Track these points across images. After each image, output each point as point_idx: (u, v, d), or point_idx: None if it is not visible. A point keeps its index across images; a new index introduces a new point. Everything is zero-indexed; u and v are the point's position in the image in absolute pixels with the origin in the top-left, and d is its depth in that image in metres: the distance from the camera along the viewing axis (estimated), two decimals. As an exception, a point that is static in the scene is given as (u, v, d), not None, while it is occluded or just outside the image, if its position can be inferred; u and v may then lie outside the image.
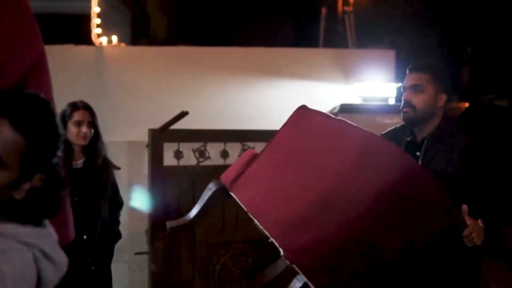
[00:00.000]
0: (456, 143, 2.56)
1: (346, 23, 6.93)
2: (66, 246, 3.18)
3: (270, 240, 2.02)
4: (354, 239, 1.94)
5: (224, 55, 5.62)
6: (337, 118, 2.25)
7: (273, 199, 2.15)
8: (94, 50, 5.54)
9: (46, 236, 1.37)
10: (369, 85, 5.42)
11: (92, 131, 3.24)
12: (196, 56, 5.56)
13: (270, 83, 5.44)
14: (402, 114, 2.66)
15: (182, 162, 3.97)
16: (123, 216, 3.65)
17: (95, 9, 5.96)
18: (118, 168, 3.49)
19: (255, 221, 2.12)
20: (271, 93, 5.30)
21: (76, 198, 3.20)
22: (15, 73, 1.64)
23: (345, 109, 5.30)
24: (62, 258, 1.39)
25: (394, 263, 2.05)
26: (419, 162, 2.57)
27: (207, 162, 3.99)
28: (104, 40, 5.79)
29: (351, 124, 2.14)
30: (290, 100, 5.33)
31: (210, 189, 2.46)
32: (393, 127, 2.91)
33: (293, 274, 1.94)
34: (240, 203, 2.25)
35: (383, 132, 2.92)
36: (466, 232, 2.21)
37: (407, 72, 2.71)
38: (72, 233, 2.14)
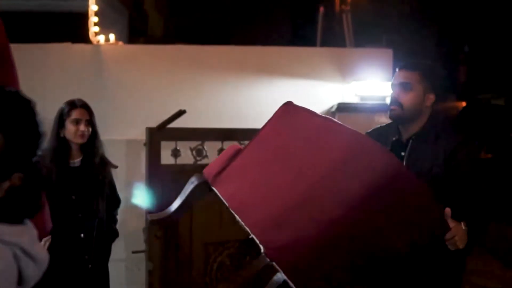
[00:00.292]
0: (441, 144, 2.54)
1: (344, 22, 6.93)
2: (63, 244, 3.20)
3: (250, 237, 1.99)
4: (336, 240, 1.91)
5: (221, 53, 5.62)
6: (323, 115, 2.22)
7: (255, 195, 2.12)
8: (91, 48, 5.53)
9: (26, 233, 1.36)
10: (366, 84, 5.42)
11: (90, 129, 3.24)
12: (194, 54, 5.55)
13: (268, 82, 5.44)
14: (389, 112, 2.65)
15: (180, 161, 3.97)
16: (121, 215, 3.65)
17: (93, 7, 5.95)
18: (116, 167, 3.49)
19: (236, 216, 2.08)
20: (269, 92, 5.30)
21: (73, 197, 3.20)
22: None
23: (343, 108, 5.30)
24: (42, 255, 1.38)
25: (377, 265, 2.03)
26: (404, 162, 2.55)
27: (204, 161, 3.99)
28: (101, 38, 5.77)
29: (337, 122, 2.12)
30: (288, 99, 5.32)
31: (192, 183, 2.42)
32: (379, 125, 2.89)
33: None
34: (222, 198, 2.22)
35: (368, 130, 2.89)
36: (448, 236, 2.20)
37: (397, 69, 2.69)
38: (49, 224, 2.13)
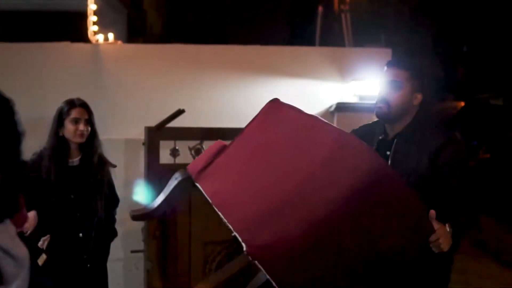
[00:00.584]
0: (426, 144, 2.51)
1: (343, 21, 6.93)
2: (62, 244, 3.20)
3: (233, 234, 1.97)
4: (319, 239, 1.89)
5: (220, 53, 5.61)
6: (309, 114, 2.18)
7: (239, 193, 2.10)
8: (90, 47, 5.52)
9: (4, 232, 1.35)
10: (365, 84, 5.42)
11: (89, 128, 3.24)
12: (193, 54, 5.55)
13: (267, 81, 5.43)
14: (376, 110, 2.63)
15: (179, 160, 3.97)
16: (119, 214, 3.65)
17: (92, 6, 5.94)
18: (114, 166, 3.49)
19: (219, 214, 2.06)
20: (268, 91, 5.29)
21: (72, 196, 3.20)
22: None
23: (342, 107, 5.30)
24: (22, 253, 1.37)
25: (360, 265, 2.02)
26: (389, 161, 2.53)
27: (203, 160, 3.98)
28: (100, 37, 5.77)
29: (322, 121, 2.10)
30: (286, 98, 5.31)
31: (176, 179, 2.40)
32: (365, 123, 2.87)
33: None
34: (205, 195, 2.19)
35: (355, 128, 2.87)
36: (433, 238, 2.18)
37: (386, 67, 2.66)
38: (25, 216, 2.11)
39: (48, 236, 3.15)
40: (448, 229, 2.27)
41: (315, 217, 1.88)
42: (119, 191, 3.57)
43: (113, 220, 3.53)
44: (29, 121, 4.93)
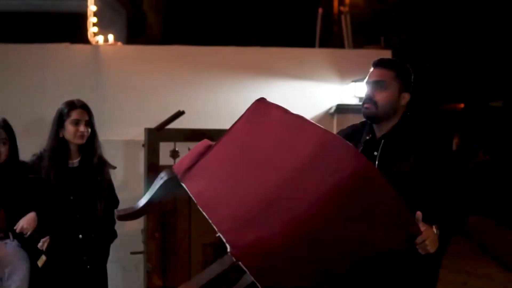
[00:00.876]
0: (414, 144, 2.48)
1: (342, 23, 6.94)
2: (62, 245, 3.20)
3: (217, 235, 1.94)
4: (303, 240, 1.87)
5: (220, 54, 5.62)
6: (295, 113, 2.14)
7: (224, 193, 2.07)
8: (90, 49, 5.53)
9: None
10: (365, 85, 5.42)
11: (89, 130, 3.24)
12: (192, 55, 5.56)
13: (266, 82, 5.44)
14: (363, 110, 2.59)
15: (178, 162, 3.96)
16: (119, 216, 3.64)
17: (92, 7, 5.94)
18: (114, 167, 3.48)
19: (204, 214, 2.03)
20: (267, 93, 5.23)
21: (72, 197, 3.20)
22: None
23: (341, 109, 5.30)
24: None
25: (345, 266, 2.00)
26: (376, 161, 2.50)
27: (203, 162, 3.98)
28: (100, 39, 5.77)
29: (307, 121, 2.07)
30: (286, 100, 5.31)
31: (162, 178, 2.35)
32: (352, 124, 2.83)
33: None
34: (190, 195, 2.16)
35: (341, 128, 2.85)
36: (419, 240, 2.16)
37: (372, 67, 2.65)
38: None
39: (47, 237, 3.14)
40: (435, 231, 2.25)
41: (299, 218, 1.86)
42: (119, 193, 3.56)
43: (113, 222, 3.52)
44: (29, 122, 4.96)
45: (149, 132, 3.98)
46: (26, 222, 3.08)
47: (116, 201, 3.54)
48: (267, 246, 1.84)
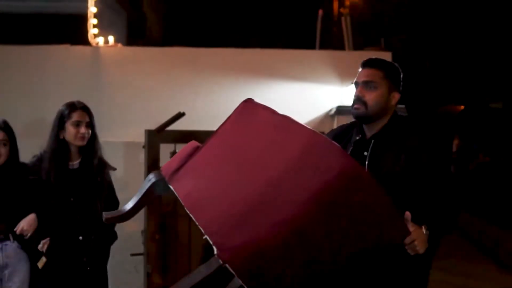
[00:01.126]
0: (404, 144, 2.46)
1: (343, 24, 6.94)
2: (62, 247, 3.20)
3: (204, 237, 1.92)
4: (291, 241, 1.85)
5: (220, 56, 5.62)
6: (283, 114, 2.11)
7: (211, 195, 2.04)
8: (90, 50, 5.54)
9: None
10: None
11: (90, 131, 3.24)
12: (193, 57, 5.56)
13: (267, 84, 5.45)
14: (352, 111, 2.57)
15: (179, 163, 3.96)
16: (119, 217, 3.64)
17: (92, 9, 5.95)
18: (114, 169, 3.48)
19: (191, 216, 2.01)
20: (267, 95, 5.31)
21: (72, 199, 3.20)
22: None
23: (342, 111, 5.30)
24: None
25: (333, 267, 1.99)
26: (366, 162, 2.48)
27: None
28: (100, 40, 5.78)
29: (295, 121, 2.05)
30: (287, 101, 5.34)
31: (150, 180, 2.33)
32: (342, 124, 2.82)
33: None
34: (178, 197, 2.13)
35: (331, 129, 2.84)
36: (407, 240, 2.14)
37: (360, 67, 2.62)
38: None
39: (48, 239, 3.14)
40: (424, 231, 2.23)
41: (286, 219, 1.84)
42: (119, 194, 3.56)
43: (113, 223, 3.52)
44: (29, 123, 4.96)
45: (150, 133, 3.98)
46: (26, 224, 3.08)
47: (116, 203, 3.53)
48: (255, 248, 1.82)
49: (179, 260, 3.93)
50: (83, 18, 6.06)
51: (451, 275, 6.31)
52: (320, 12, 7.40)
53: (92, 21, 5.92)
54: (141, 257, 4.23)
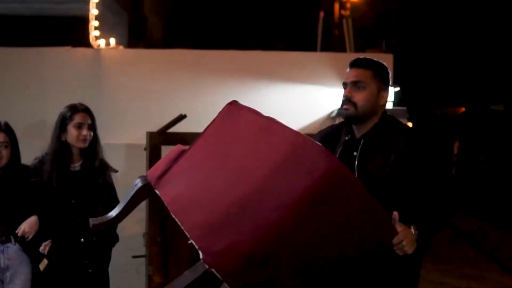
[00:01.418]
0: (393, 144, 2.44)
1: (344, 27, 6.94)
2: (63, 249, 3.20)
3: (189, 242, 1.91)
4: (277, 244, 1.83)
5: (221, 58, 5.62)
6: (267, 116, 2.10)
7: (196, 199, 2.03)
8: (92, 52, 5.53)
9: None
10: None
11: (92, 133, 3.24)
12: (194, 59, 5.56)
13: (268, 86, 5.44)
14: (341, 111, 2.55)
15: (180, 165, 3.96)
16: (121, 219, 3.64)
17: (93, 11, 5.95)
18: (116, 171, 3.48)
19: (177, 221, 2.00)
20: (268, 97, 5.30)
21: (73, 201, 3.20)
22: None
23: (343, 113, 5.30)
24: None
25: (321, 269, 1.97)
26: (356, 162, 2.46)
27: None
28: (102, 42, 5.78)
29: (279, 123, 2.03)
30: (287, 103, 5.34)
31: (136, 185, 2.31)
32: (331, 125, 2.80)
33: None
34: (164, 202, 2.12)
35: (319, 130, 2.82)
36: (395, 240, 2.12)
37: (349, 67, 2.61)
38: None
39: (49, 241, 3.14)
40: (413, 231, 2.20)
41: (272, 222, 1.82)
42: (121, 196, 3.56)
43: (115, 225, 3.52)
44: (30, 125, 4.96)
45: (151, 135, 3.98)
46: (28, 226, 3.08)
47: (117, 205, 3.53)
48: (241, 252, 1.80)
49: (181, 262, 3.92)
50: (85, 20, 6.06)
51: (452, 277, 6.31)
52: (321, 14, 7.41)
53: (94, 23, 5.92)
54: (142, 259, 4.22)
